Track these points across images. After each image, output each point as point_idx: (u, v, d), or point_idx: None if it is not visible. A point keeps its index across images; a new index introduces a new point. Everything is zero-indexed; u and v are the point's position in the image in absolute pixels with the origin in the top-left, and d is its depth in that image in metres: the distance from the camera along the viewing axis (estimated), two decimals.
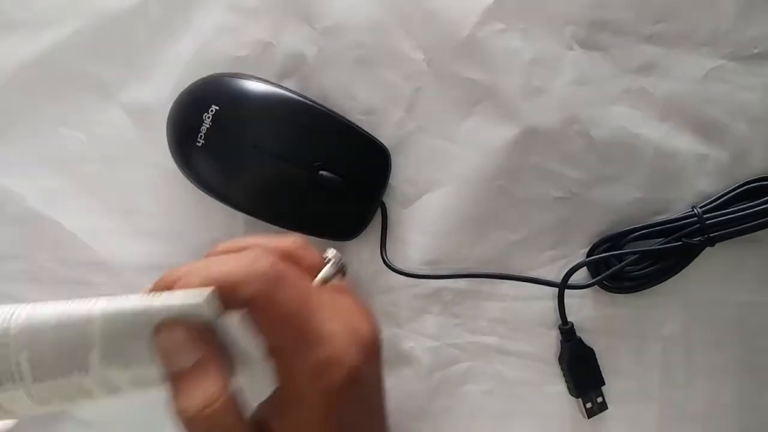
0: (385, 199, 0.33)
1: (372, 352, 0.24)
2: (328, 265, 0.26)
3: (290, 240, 0.25)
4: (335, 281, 0.26)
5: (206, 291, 0.21)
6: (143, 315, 0.20)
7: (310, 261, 0.25)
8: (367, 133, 0.32)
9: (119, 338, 0.20)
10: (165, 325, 0.20)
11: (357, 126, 0.32)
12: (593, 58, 0.32)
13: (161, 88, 0.33)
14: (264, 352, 0.22)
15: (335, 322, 0.23)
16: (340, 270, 0.26)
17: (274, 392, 0.23)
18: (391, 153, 0.33)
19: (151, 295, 0.21)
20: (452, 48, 0.32)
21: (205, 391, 0.20)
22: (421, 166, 0.33)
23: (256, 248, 0.24)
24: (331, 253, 0.26)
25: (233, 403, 0.21)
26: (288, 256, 0.24)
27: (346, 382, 0.22)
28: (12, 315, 0.20)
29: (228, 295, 0.21)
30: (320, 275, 0.25)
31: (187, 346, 0.21)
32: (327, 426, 0.22)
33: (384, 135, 0.33)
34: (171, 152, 0.32)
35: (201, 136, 0.31)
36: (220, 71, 0.32)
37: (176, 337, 0.21)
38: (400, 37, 0.33)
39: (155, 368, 0.21)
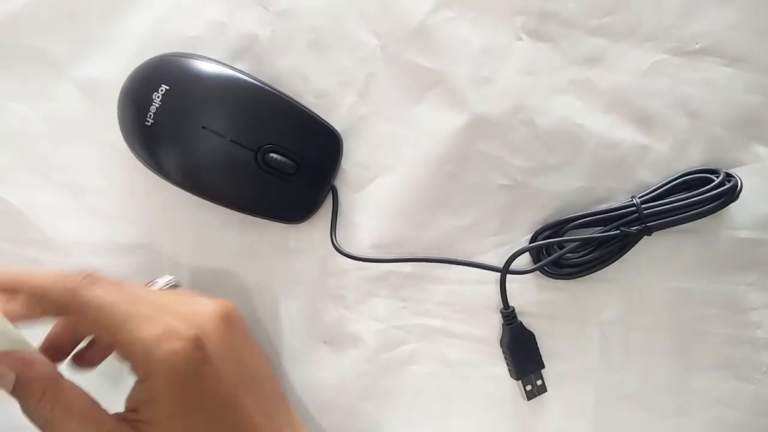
0: (337, 182, 0.33)
1: (214, 323, 0.26)
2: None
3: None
4: None
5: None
6: None
7: None
8: (319, 116, 0.33)
9: None
10: None
11: (308, 109, 0.32)
12: (541, 49, 0.33)
13: (114, 65, 0.33)
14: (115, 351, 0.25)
15: (168, 304, 0.26)
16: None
17: (134, 385, 0.25)
18: (343, 137, 0.33)
19: None
20: (405, 34, 0.33)
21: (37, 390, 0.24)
22: (372, 150, 0.33)
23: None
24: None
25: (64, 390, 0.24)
26: None
27: (189, 349, 0.24)
28: None
29: (42, 301, 0.24)
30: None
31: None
32: (181, 397, 0.24)
33: (336, 118, 0.33)
34: (121, 131, 0.32)
35: (150, 115, 0.31)
36: (173, 50, 0.32)
37: None
38: (354, 22, 0.33)
39: None
